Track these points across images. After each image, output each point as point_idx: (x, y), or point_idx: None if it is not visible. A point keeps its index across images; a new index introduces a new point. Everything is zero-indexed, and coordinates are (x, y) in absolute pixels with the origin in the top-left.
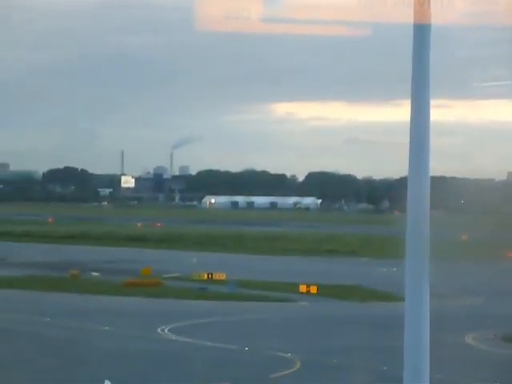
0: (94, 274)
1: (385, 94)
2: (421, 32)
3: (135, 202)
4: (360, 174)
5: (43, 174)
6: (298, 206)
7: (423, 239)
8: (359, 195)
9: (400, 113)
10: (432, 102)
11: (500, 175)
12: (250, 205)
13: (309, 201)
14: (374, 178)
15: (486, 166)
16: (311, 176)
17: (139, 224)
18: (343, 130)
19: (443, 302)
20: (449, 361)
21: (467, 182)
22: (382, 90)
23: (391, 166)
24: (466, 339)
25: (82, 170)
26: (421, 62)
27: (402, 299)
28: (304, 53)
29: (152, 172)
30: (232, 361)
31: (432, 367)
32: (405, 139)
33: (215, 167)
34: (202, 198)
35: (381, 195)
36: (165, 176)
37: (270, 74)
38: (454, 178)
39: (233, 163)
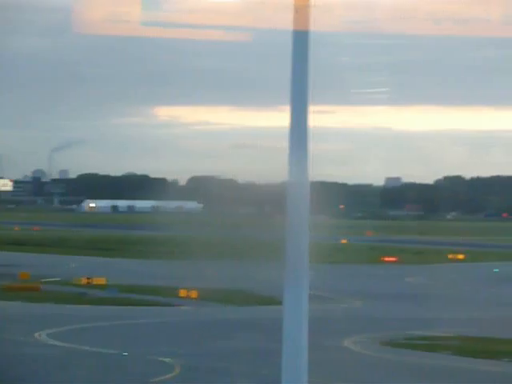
0: None
1: (269, 99)
2: (300, 38)
3: (13, 206)
4: (244, 178)
5: None
6: (180, 209)
7: (302, 243)
8: (242, 199)
9: (284, 118)
10: (312, 108)
11: (378, 180)
12: (131, 209)
13: (191, 205)
14: (258, 182)
15: (365, 171)
16: (194, 180)
17: (16, 227)
18: (228, 134)
19: (322, 305)
20: (326, 364)
21: (347, 187)
22: (266, 96)
23: (275, 170)
24: (345, 343)
25: None
26: (300, 68)
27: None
28: (187, 57)
29: (30, 175)
30: (110, 366)
31: (310, 370)
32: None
33: (96, 171)
34: (82, 202)
35: (264, 199)
36: (44, 179)
37: (152, 78)
38: (333, 183)
39: (114, 167)
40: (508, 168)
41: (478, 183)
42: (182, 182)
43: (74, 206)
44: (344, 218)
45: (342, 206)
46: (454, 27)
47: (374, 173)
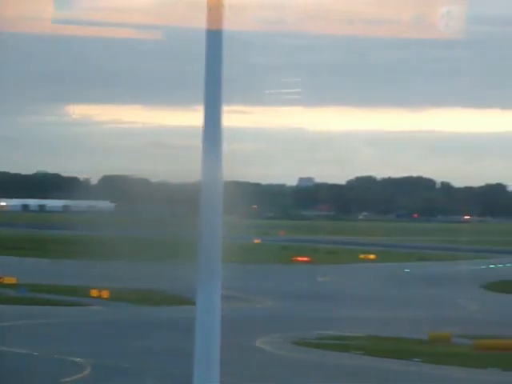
0: None
1: (183, 98)
2: (213, 37)
3: None
4: (157, 177)
5: None
6: (92, 209)
7: (216, 243)
8: (155, 199)
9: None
10: (226, 108)
11: (291, 180)
12: (42, 208)
13: (103, 204)
14: (171, 181)
15: (278, 171)
16: (106, 179)
17: None
18: (141, 133)
19: (235, 305)
20: (238, 364)
21: (260, 187)
22: (179, 95)
23: (189, 170)
24: (257, 342)
25: None
26: (213, 67)
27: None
28: (100, 55)
29: None
30: (20, 366)
31: (221, 370)
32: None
33: (6, 169)
34: None
35: (177, 199)
36: None
37: (64, 76)
38: (247, 183)
39: (25, 165)
40: (419, 168)
41: (390, 184)
42: (95, 180)
43: None
44: (257, 218)
45: (255, 206)
46: (367, 28)
47: (287, 173)
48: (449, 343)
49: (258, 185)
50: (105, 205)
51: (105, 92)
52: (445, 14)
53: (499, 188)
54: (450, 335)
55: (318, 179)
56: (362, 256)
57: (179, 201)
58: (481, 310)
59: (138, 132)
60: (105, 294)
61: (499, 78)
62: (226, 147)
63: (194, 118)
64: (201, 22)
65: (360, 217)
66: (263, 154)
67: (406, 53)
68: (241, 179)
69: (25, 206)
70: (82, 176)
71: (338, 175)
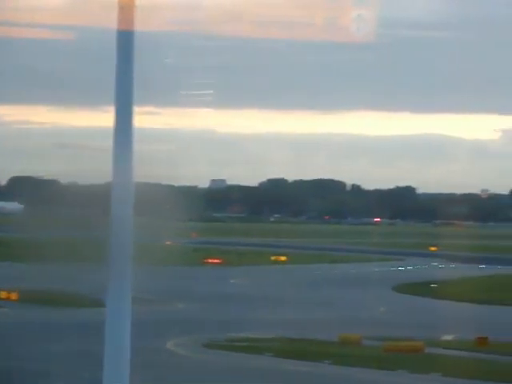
0: None
1: (93, 99)
2: (125, 37)
3: None
4: (66, 179)
5: None
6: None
7: (126, 244)
8: (65, 200)
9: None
10: (137, 109)
11: (203, 182)
12: None
13: (12, 206)
14: (81, 183)
15: (190, 173)
16: (14, 180)
17: None
18: (49, 134)
19: (146, 307)
20: (148, 366)
21: (172, 188)
22: (90, 95)
23: (99, 171)
24: (168, 345)
25: None
26: (125, 68)
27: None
28: (8, 54)
29: None
30: None
31: (131, 372)
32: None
33: None
34: None
35: (87, 200)
36: None
37: None
38: (159, 185)
39: None
40: (330, 171)
41: (301, 186)
42: (3, 182)
43: None
44: (168, 220)
45: (166, 208)
46: (279, 30)
47: (199, 174)
48: (359, 345)
49: (170, 186)
50: (13, 206)
51: (13, 92)
52: (356, 18)
53: (409, 191)
54: (361, 337)
55: (230, 181)
56: (273, 258)
57: (89, 202)
58: (391, 312)
59: (46, 133)
60: (14, 295)
61: (409, 82)
62: (137, 148)
63: (104, 118)
64: (112, 22)
65: (272, 219)
66: (175, 155)
67: (318, 55)
68: (152, 180)
69: None
70: None
71: (250, 177)
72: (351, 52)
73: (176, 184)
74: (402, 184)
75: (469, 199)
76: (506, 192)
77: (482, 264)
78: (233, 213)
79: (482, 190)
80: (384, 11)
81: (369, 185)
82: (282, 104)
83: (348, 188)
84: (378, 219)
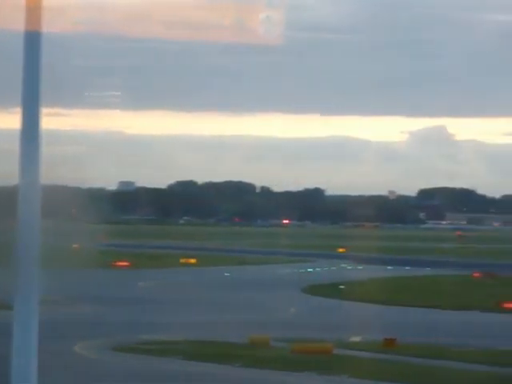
0: None
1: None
2: (32, 39)
3: None
4: None
5: None
6: None
7: (33, 247)
8: None
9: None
10: (44, 110)
11: (111, 184)
12: None
13: None
14: None
15: (97, 174)
16: None
17: None
18: None
19: (54, 310)
20: (56, 370)
21: (79, 190)
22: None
23: (6, 173)
24: (76, 348)
25: None
26: (31, 70)
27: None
28: None
29: None
30: None
31: (39, 376)
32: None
33: None
34: None
35: None
36: None
37: None
38: (66, 187)
39: None
40: (239, 173)
41: (211, 188)
42: None
43: None
44: (77, 222)
45: (74, 210)
46: (188, 32)
47: (106, 176)
48: (268, 347)
49: (77, 188)
50: None
51: None
52: (264, 20)
53: (317, 192)
54: (269, 339)
55: (139, 183)
56: (182, 260)
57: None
58: (299, 314)
59: None
60: None
61: (318, 84)
62: (44, 150)
63: (11, 120)
64: (19, 24)
65: (181, 221)
66: (83, 157)
67: (227, 57)
68: (60, 182)
69: None
70: None
71: (159, 179)
72: (260, 54)
73: (83, 186)
74: (310, 186)
75: (377, 201)
76: (413, 193)
77: (389, 265)
78: (142, 215)
79: (390, 192)
80: (294, 14)
81: (278, 187)
82: (192, 106)
83: (258, 190)
84: (287, 221)
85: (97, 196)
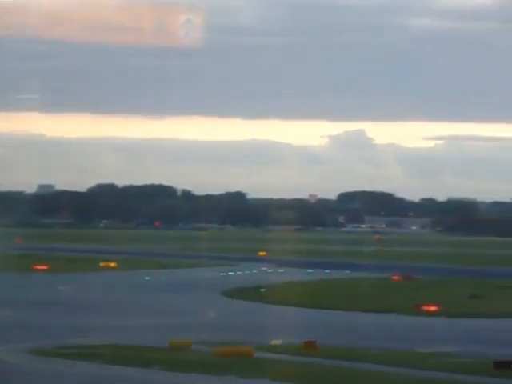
0: None
1: None
2: None
3: None
4: None
5: None
6: None
7: None
8: None
9: None
10: None
11: (30, 187)
12: None
13: None
14: None
15: (16, 178)
16: None
17: None
18: None
19: None
20: None
21: None
22: None
23: None
24: None
25: None
26: None
27: None
28: None
29: None
30: None
31: None
32: None
33: None
34: None
35: None
36: None
37: None
38: None
39: None
40: (160, 176)
41: (131, 191)
42: None
43: None
44: None
45: None
46: (109, 35)
47: (25, 179)
48: (189, 350)
49: None
50: None
51: None
52: (185, 23)
53: (239, 196)
54: (190, 342)
55: (59, 186)
56: (102, 264)
57: None
58: (220, 317)
59: None
60: None
61: (240, 88)
62: None
63: None
64: None
65: (101, 224)
66: (1, 160)
67: (148, 61)
68: None
69: None
70: None
71: (79, 182)
72: (183, 57)
73: (1, 189)
74: (232, 189)
75: (297, 204)
76: (333, 197)
77: (310, 268)
78: (61, 218)
79: (311, 195)
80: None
81: (199, 190)
82: (113, 109)
83: (179, 193)
84: (209, 224)
85: (15, 199)
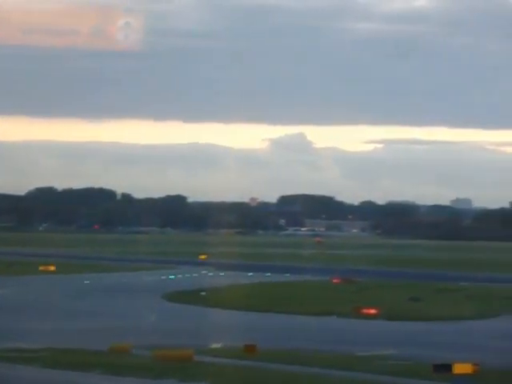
0: None
1: None
2: None
3: None
4: None
5: None
6: None
7: None
8: None
9: None
10: None
11: None
12: None
13: None
14: None
15: None
16: None
17: None
18: None
19: None
20: None
21: None
22: None
23: None
24: None
25: None
26: None
27: None
28: None
29: None
30: None
31: None
32: None
33: None
34: None
35: None
36: None
37: None
38: None
39: None
40: (100, 180)
41: (71, 195)
42: None
43: None
44: None
45: None
46: (47, 38)
47: None
48: (129, 354)
49: None
50: None
51: None
52: (123, 26)
53: (179, 199)
54: (130, 346)
55: None
56: (41, 268)
57: None
58: (161, 321)
59: None
60: None
61: (180, 90)
62: None
63: None
64: None
65: (40, 228)
66: None
67: (87, 63)
68: None
69: None
70: None
71: (17, 186)
72: (121, 60)
73: None
74: (172, 193)
75: (238, 207)
76: (273, 200)
77: (250, 272)
78: (0, 222)
79: (251, 199)
80: (154, 21)
81: (139, 193)
82: (52, 112)
83: (118, 197)
84: (149, 228)
85: None
